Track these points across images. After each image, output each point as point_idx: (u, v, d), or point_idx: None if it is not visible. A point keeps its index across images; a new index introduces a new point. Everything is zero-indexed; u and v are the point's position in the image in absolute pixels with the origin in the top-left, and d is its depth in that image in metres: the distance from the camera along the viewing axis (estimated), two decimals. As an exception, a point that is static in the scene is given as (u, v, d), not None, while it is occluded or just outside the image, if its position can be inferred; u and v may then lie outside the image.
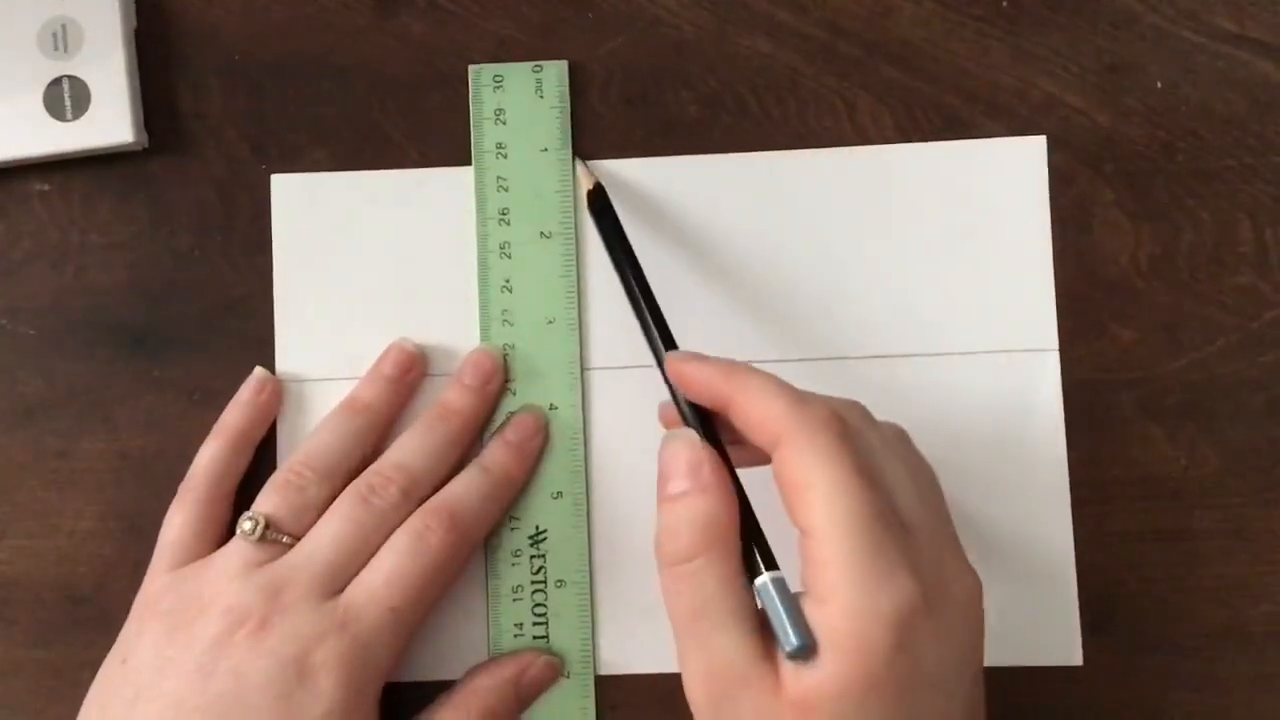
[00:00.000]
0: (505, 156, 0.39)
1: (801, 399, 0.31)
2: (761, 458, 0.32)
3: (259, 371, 0.39)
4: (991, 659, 0.33)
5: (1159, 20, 0.39)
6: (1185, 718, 0.38)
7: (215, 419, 0.39)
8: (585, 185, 0.38)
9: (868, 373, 0.38)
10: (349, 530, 0.35)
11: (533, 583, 0.38)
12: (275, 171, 0.40)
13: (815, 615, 0.29)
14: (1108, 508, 0.38)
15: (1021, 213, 0.39)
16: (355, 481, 0.36)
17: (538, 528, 0.38)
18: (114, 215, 0.40)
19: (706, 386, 0.32)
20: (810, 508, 0.29)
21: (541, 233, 0.39)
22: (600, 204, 0.37)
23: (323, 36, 0.40)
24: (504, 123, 0.39)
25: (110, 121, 0.39)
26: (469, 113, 0.39)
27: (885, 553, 0.29)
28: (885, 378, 0.38)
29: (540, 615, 0.38)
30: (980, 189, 0.39)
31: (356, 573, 0.35)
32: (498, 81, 0.39)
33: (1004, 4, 0.40)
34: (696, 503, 0.31)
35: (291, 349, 0.39)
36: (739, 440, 0.32)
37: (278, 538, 0.35)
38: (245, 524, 0.35)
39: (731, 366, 0.32)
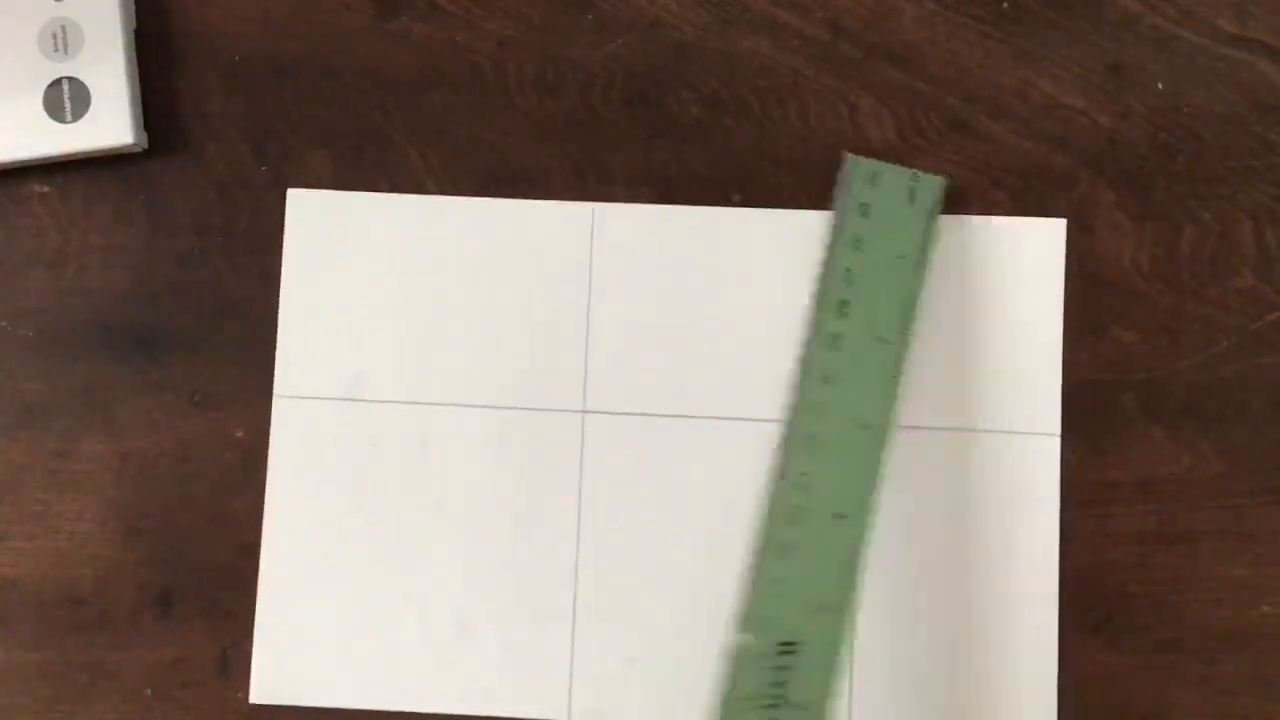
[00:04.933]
0: (860, 250, 0.37)
1: None
2: None
3: None
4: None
5: (1160, 21, 0.39)
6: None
7: (215, 420, 0.39)
8: None
9: None
10: None
11: None
12: (275, 174, 0.40)
13: None
14: (1108, 509, 0.38)
15: (1035, 294, 0.38)
16: None
17: None
18: (114, 217, 0.40)
19: None
20: None
21: (878, 337, 0.36)
22: None
23: (323, 37, 0.40)
24: (866, 217, 0.37)
25: (110, 123, 0.39)
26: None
27: None
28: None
29: None
30: (995, 266, 0.38)
31: None
32: (872, 177, 0.38)
33: (1005, 5, 0.39)
34: None
35: (292, 367, 0.39)
36: None
37: None
38: None
39: None
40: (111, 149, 0.39)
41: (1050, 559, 0.38)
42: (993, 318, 0.38)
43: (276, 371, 0.39)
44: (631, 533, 0.38)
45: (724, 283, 0.39)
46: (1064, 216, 0.39)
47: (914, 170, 0.38)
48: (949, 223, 0.39)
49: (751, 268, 0.39)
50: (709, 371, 0.39)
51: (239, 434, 0.39)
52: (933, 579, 0.38)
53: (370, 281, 0.39)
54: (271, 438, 0.39)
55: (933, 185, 0.38)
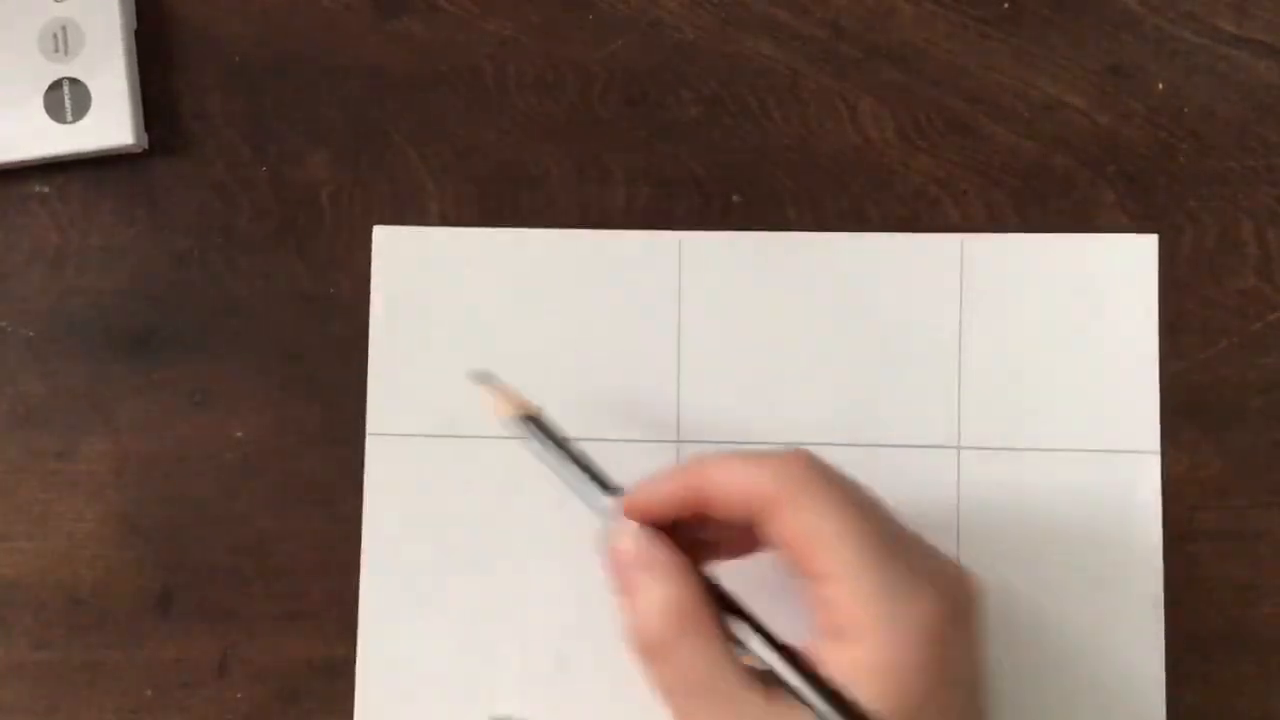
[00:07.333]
0: None
1: (772, 458, 0.31)
2: (736, 549, 0.33)
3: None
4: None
5: (1160, 22, 0.39)
6: (1186, 720, 0.38)
7: (215, 420, 0.39)
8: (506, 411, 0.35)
9: (963, 463, 0.38)
10: None
11: None
12: (275, 174, 0.40)
13: (845, 657, 0.29)
14: (1109, 509, 0.38)
15: (1130, 310, 0.38)
16: None
17: None
18: (114, 217, 0.40)
19: (674, 498, 0.32)
20: (824, 552, 0.30)
21: None
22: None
23: (323, 37, 0.40)
24: None
25: (110, 123, 0.39)
26: (469, 115, 0.40)
27: (906, 571, 0.29)
28: (980, 469, 0.38)
29: None
30: (1088, 283, 0.38)
31: None
32: None
33: (1005, 5, 0.39)
34: (659, 588, 0.31)
35: (385, 404, 0.39)
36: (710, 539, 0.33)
37: None
38: None
39: (691, 465, 0.32)
40: (111, 149, 0.39)
41: (1154, 583, 0.37)
42: (1088, 334, 0.38)
43: (368, 411, 0.39)
44: (728, 567, 0.36)
45: (815, 307, 0.39)
46: (1064, 216, 0.39)
47: None
48: (1042, 240, 0.38)
49: (845, 292, 0.38)
50: (801, 398, 0.38)
51: (239, 434, 0.39)
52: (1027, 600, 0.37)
53: (457, 316, 0.39)
54: (365, 476, 0.39)
55: None
